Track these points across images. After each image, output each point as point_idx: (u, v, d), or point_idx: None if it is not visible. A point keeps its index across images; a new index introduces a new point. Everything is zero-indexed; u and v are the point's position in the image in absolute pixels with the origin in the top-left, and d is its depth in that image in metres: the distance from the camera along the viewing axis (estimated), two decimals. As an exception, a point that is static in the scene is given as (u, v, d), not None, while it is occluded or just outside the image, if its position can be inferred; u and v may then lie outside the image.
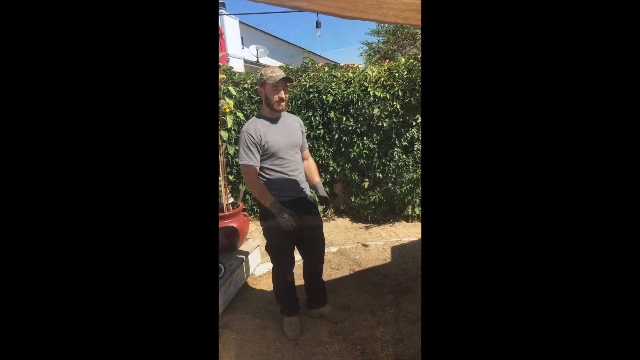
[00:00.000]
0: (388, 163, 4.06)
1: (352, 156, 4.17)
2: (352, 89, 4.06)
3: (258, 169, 1.88)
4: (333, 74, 4.24)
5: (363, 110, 4.03)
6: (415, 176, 3.99)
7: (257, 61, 9.30)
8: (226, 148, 3.34)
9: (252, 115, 2.24)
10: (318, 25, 2.61)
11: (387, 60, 4.48)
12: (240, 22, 8.36)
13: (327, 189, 4.46)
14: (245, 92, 4.30)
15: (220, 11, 7.18)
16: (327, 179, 4.38)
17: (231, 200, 3.39)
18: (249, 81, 4.30)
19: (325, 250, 3.52)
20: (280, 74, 1.80)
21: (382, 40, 13.22)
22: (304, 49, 5.90)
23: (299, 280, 2.36)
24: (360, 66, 4.48)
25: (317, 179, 2.19)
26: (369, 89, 4.00)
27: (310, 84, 4.18)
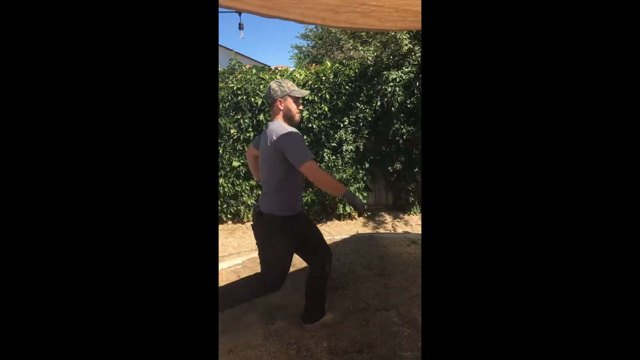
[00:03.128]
0: (318, 163, 4.16)
1: (283, 158, 4.19)
2: (281, 91, 4.09)
3: None
4: (261, 76, 4.23)
5: (292, 113, 4.08)
6: (344, 176, 4.13)
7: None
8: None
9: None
10: (241, 27, 2.59)
11: (314, 64, 4.59)
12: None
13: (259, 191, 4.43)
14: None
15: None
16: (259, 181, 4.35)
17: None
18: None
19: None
20: (301, 89, 1.90)
21: (311, 44, 13.46)
22: (231, 50, 5.77)
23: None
24: (290, 69, 4.53)
25: None
26: (297, 92, 4.06)
27: (238, 86, 4.12)
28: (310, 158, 1.71)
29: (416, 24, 1.88)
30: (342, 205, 4.29)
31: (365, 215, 4.63)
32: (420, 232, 4.18)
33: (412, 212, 4.70)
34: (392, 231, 4.28)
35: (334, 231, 4.09)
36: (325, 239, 3.79)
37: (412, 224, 4.48)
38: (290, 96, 1.84)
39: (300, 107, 1.90)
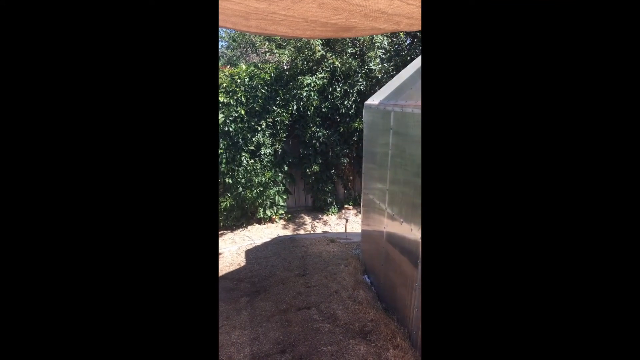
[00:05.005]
0: (237, 168, 4.09)
1: (198, 163, 4.03)
2: (194, 93, 3.93)
3: None
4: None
5: (207, 116, 3.95)
6: (263, 180, 4.13)
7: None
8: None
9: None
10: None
11: (228, 67, 4.50)
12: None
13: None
14: None
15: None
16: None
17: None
18: None
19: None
20: None
21: (225, 45, 13.10)
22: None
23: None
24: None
25: None
26: (211, 94, 3.94)
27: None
28: None
29: (324, 32, 1.98)
30: (262, 209, 4.28)
31: (286, 217, 4.68)
32: (337, 230, 4.37)
33: (330, 213, 4.88)
34: (312, 232, 4.40)
35: (254, 235, 4.06)
36: (246, 243, 3.76)
37: (331, 223, 4.66)
38: None
39: None
